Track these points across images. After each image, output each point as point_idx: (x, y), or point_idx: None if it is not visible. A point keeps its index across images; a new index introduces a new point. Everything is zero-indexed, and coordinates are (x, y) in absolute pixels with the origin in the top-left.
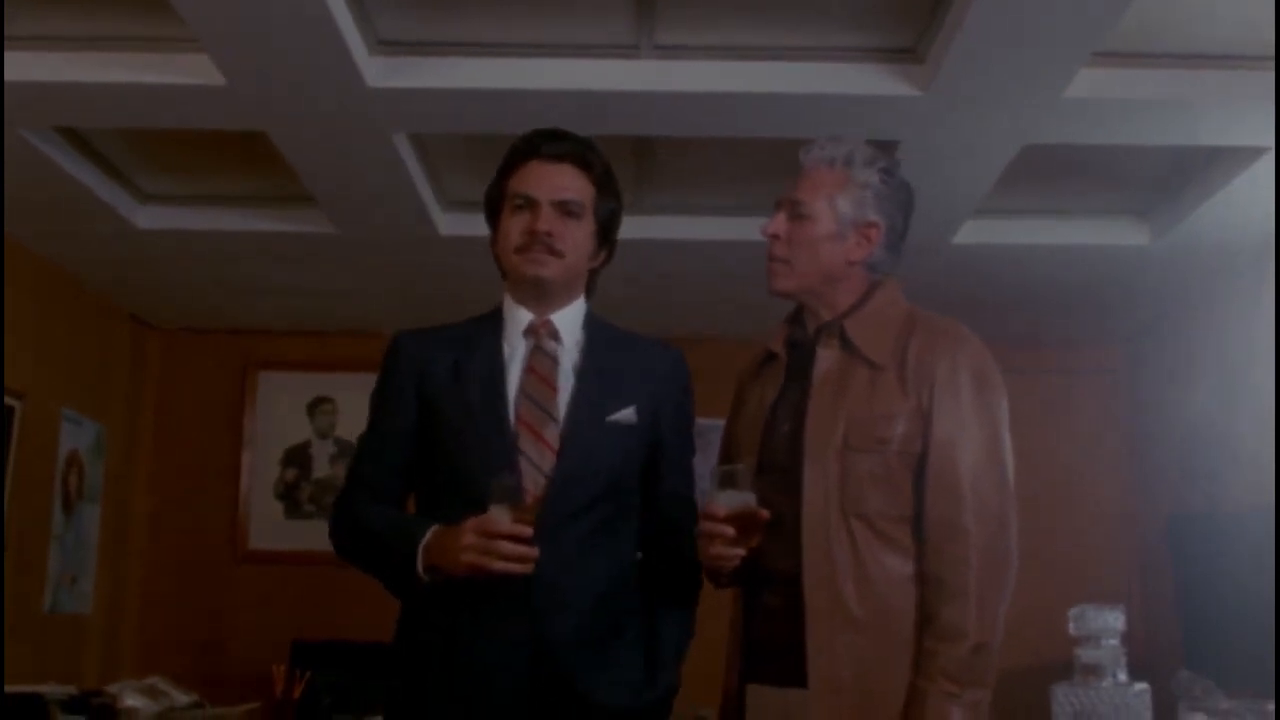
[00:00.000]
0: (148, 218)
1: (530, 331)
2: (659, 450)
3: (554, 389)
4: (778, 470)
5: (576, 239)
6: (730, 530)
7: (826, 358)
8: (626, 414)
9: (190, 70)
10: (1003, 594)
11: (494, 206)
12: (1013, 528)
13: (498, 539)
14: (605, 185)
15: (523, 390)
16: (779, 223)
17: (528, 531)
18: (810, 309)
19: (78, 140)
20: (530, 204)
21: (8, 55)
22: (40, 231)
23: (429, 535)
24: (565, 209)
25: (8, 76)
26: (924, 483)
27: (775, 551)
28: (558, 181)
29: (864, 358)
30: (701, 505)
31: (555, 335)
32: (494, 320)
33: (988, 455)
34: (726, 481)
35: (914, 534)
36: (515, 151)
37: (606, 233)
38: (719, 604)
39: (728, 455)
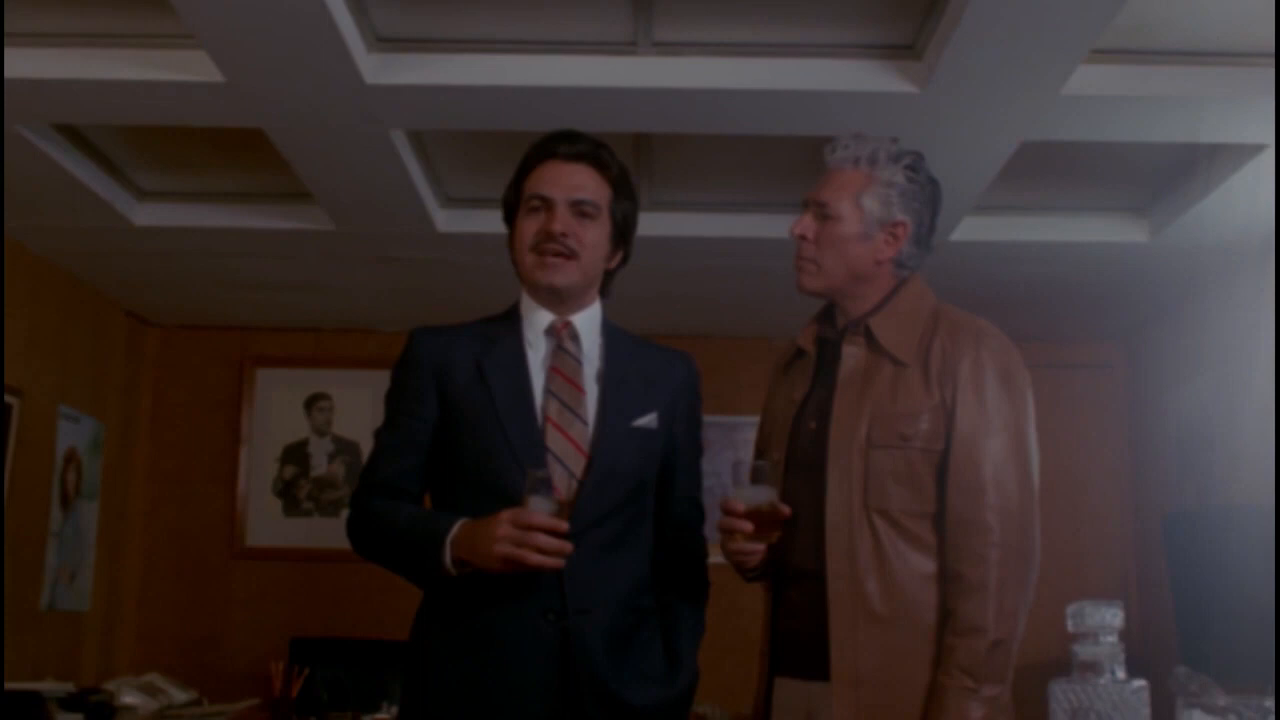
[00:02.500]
0: (145, 214)
1: (551, 332)
2: (672, 454)
3: (581, 391)
4: (804, 467)
5: (592, 239)
6: (748, 525)
7: (852, 355)
8: (649, 419)
9: (188, 67)
10: (1024, 591)
11: (511, 210)
12: (1035, 525)
13: (534, 531)
14: (621, 186)
15: (549, 390)
16: (806, 223)
17: (564, 525)
18: (840, 305)
19: (76, 137)
20: (546, 204)
21: (6, 52)
22: (38, 228)
23: (457, 528)
24: (580, 209)
25: (6, 73)
26: (946, 479)
27: (800, 547)
28: (573, 181)
29: (889, 355)
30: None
31: (576, 337)
32: (512, 319)
33: (1011, 452)
34: (750, 476)
35: (937, 531)
36: (531, 154)
37: (623, 234)
38: (730, 602)
39: (760, 450)
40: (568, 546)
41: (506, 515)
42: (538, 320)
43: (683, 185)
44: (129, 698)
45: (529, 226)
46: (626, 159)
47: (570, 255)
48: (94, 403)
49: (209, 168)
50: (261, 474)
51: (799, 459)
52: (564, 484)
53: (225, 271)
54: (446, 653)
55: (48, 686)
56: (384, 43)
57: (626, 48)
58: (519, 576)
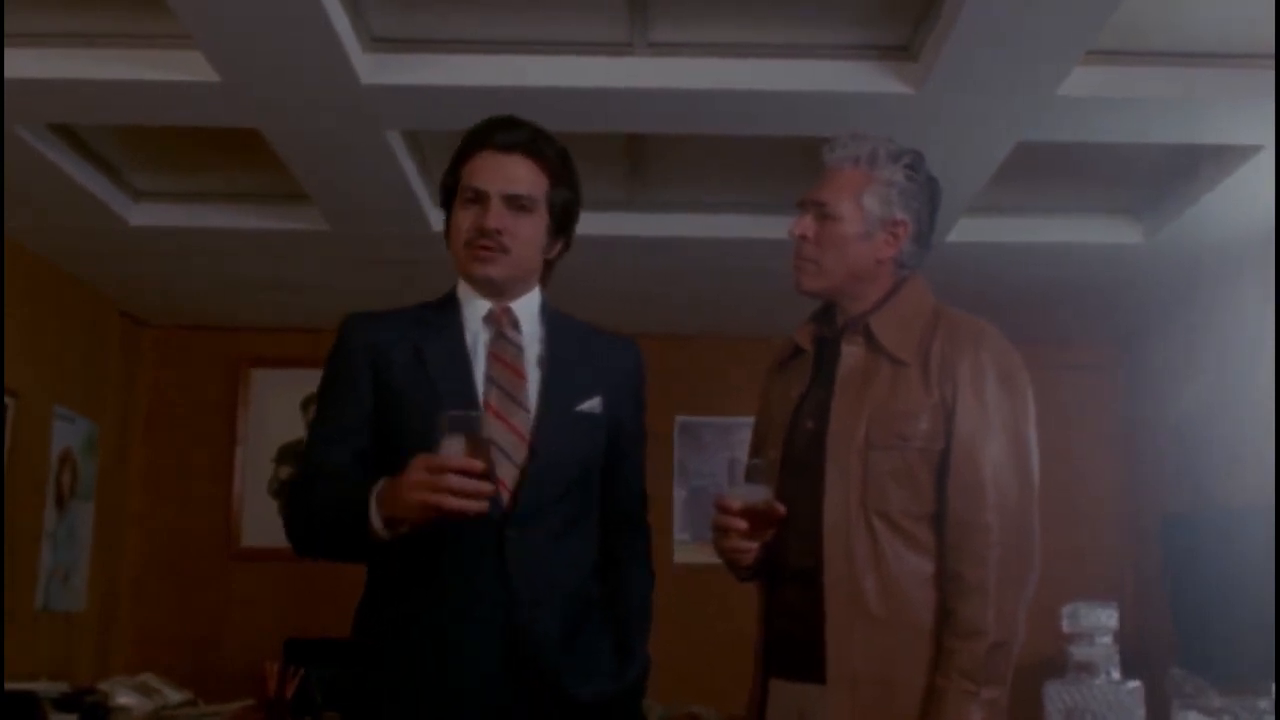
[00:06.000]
0: (141, 214)
1: (490, 319)
2: (617, 440)
3: (522, 377)
4: (801, 466)
5: (527, 234)
6: (742, 523)
7: (851, 354)
8: (593, 404)
9: (184, 67)
10: (1023, 593)
11: (447, 196)
12: (1035, 527)
13: (448, 473)
14: (559, 175)
15: (490, 378)
16: (806, 224)
17: (478, 465)
18: (839, 305)
19: (72, 137)
20: (480, 197)
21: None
22: (34, 228)
23: (379, 485)
24: (516, 203)
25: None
26: (946, 480)
27: (796, 548)
28: (509, 173)
29: (888, 354)
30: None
31: (516, 324)
32: (450, 305)
33: (1011, 453)
34: (745, 475)
35: (935, 532)
36: (467, 140)
37: (561, 224)
38: (719, 604)
39: (755, 449)
40: (486, 487)
41: (420, 460)
42: (476, 307)
43: (679, 186)
44: (124, 698)
45: (464, 219)
46: (621, 160)
47: (503, 251)
48: (89, 403)
49: (205, 168)
50: (257, 474)
51: (796, 458)
52: (506, 475)
53: (221, 272)
54: (391, 648)
55: (43, 687)
56: (379, 43)
57: (622, 48)
58: (461, 568)
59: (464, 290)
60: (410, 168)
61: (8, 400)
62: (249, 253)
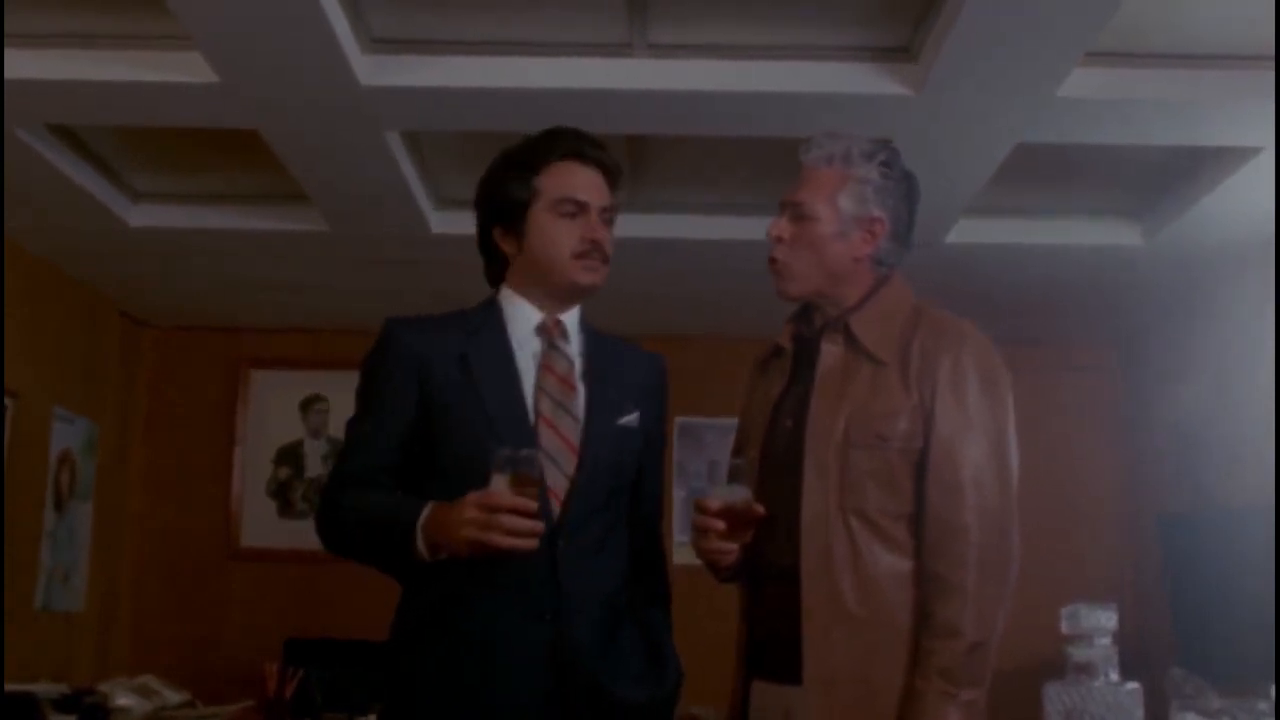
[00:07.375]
0: (140, 215)
1: (543, 330)
2: (644, 454)
3: (574, 389)
4: (779, 465)
5: (611, 245)
6: (720, 524)
7: (831, 353)
8: (632, 418)
9: (183, 68)
10: (1002, 593)
11: (517, 203)
12: (1014, 528)
13: (500, 513)
14: (617, 184)
15: (541, 388)
16: (782, 225)
17: (532, 505)
18: (819, 306)
19: (71, 138)
20: (582, 209)
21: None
22: (33, 229)
23: (427, 512)
24: (606, 215)
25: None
26: (925, 480)
27: (776, 548)
28: (601, 186)
29: (868, 354)
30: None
31: (566, 335)
32: (492, 313)
33: (991, 454)
34: (727, 475)
35: (913, 532)
36: (548, 148)
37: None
38: (716, 604)
39: (737, 449)
40: (539, 526)
41: (472, 497)
42: (526, 317)
43: (679, 187)
44: (123, 699)
45: (569, 230)
46: (621, 160)
47: (606, 263)
48: (89, 404)
49: (204, 169)
50: (256, 475)
51: (775, 457)
52: (555, 484)
53: (220, 273)
54: (435, 655)
55: (42, 688)
56: (379, 44)
57: (622, 50)
58: (512, 576)
59: (512, 299)
60: (409, 168)
61: (8, 400)
62: (249, 253)
